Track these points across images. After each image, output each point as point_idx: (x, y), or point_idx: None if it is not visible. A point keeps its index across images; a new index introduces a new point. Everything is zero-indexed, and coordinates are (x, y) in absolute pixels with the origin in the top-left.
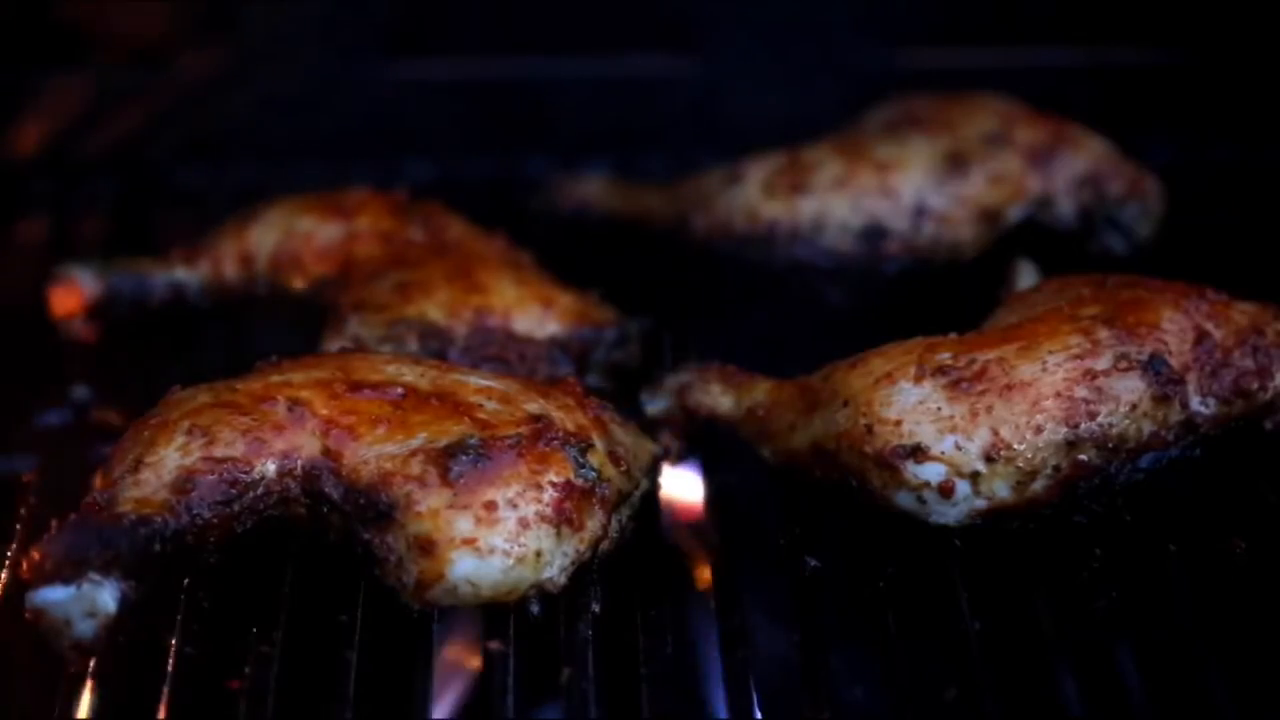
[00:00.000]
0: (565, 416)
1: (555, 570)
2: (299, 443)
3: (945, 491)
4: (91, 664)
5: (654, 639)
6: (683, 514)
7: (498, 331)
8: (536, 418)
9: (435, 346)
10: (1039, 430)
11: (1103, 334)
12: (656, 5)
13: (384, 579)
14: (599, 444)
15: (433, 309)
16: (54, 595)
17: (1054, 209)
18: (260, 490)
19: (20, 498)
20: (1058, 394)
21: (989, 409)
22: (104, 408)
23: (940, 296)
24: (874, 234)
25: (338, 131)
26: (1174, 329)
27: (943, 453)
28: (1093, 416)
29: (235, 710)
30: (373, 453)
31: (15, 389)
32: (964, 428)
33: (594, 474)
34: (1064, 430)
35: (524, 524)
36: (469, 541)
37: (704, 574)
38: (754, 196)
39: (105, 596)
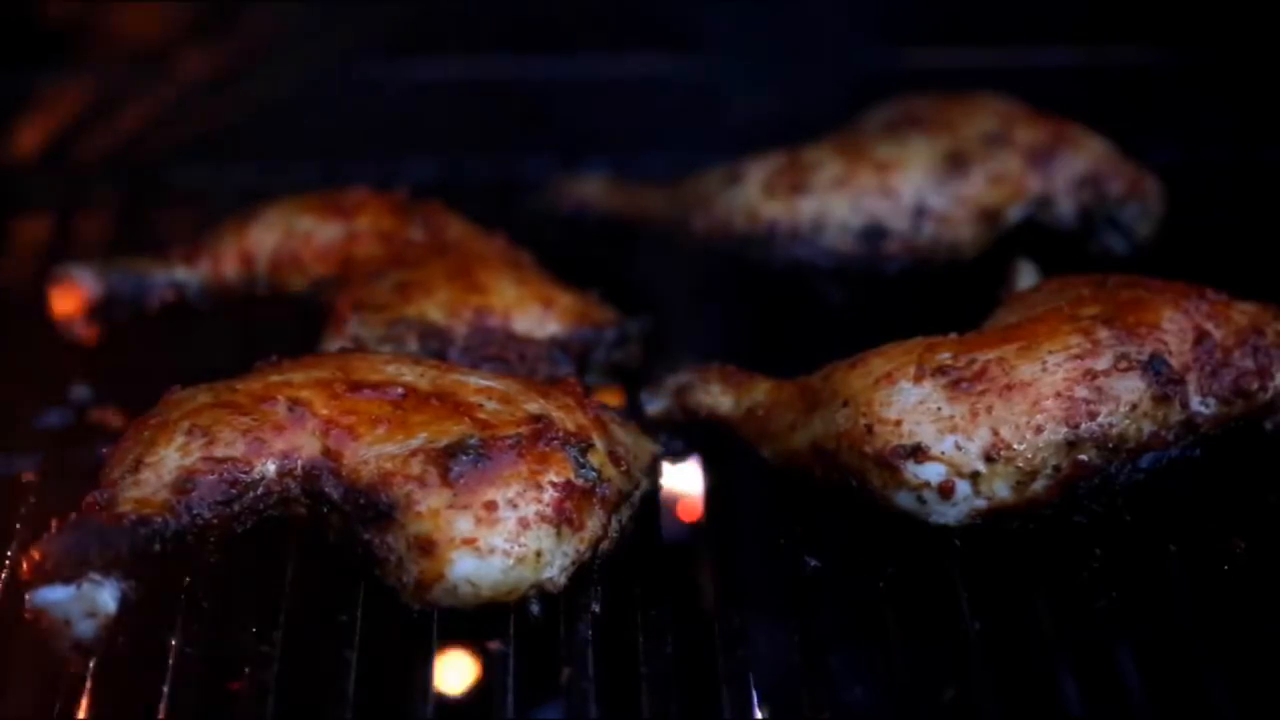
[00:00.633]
0: (565, 416)
1: (555, 570)
2: (299, 443)
3: (945, 491)
4: (91, 664)
5: (654, 639)
6: (683, 514)
7: (498, 331)
8: (536, 418)
9: (435, 346)
10: (1039, 430)
11: (1103, 334)
12: (656, 5)
13: (384, 579)
14: (599, 444)
15: (433, 309)
16: (54, 595)
17: (1054, 209)
18: (260, 490)
19: (20, 498)
20: (1058, 394)
21: (989, 409)
22: (104, 408)
23: (940, 296)
24: (874, 234)
25: (338, 131)
26: (1174, 329)
27: (943, 453)
28: (1093, 416)
29: (235, 710)
30: (373, 453)
31: (15, 389)
32: (964, 428)
33: (594, 474)
34: (1064, 430)
35: (524, 524)
36: (469, 541)
37: (704, 574)
38: (754, 196)
39: (105, 596)
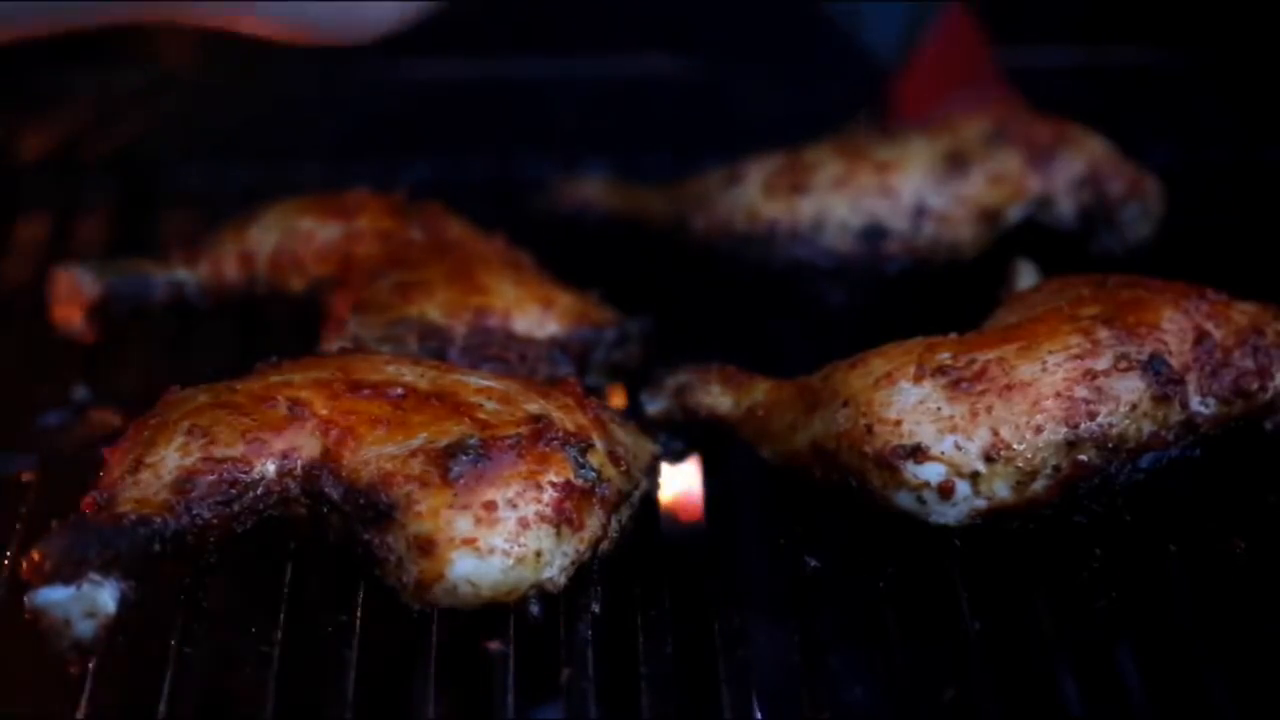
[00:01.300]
0: (565, 416)
1: (555, 570)
2: (299, 443)
3: (945, 491)
4: (91, 664)
5: (654, 639)
6: (683, 514)
7: (497, 332)
8: (536, 418)
9: (435, 347)
10: (1039, 430)
11: (1103, 334)
12: (656, 5)
13: (384, 579)
14: (599, 444)
15: (432, 309)
16: (54, 595)
17: (1054, 209)
18: (260, 490)
19: (20, 498)
20: (1058, 394)
21: (989, 409)
22: (104, 408)
23: (940, 296)
24: (874, 234)
25: (338, 131)
26: (1174, 329)
27: (943, 453)
28: (1093, 416)
29: (235, 710)
30: (373, 453)
31: (15, 389)
32: (964, 428)
33: (594, 474)
34: (1064, 430)
35: (524, 524)
36: (469, 541)
37: (704, 574)
38: (754, 196)
39: (105, 596)
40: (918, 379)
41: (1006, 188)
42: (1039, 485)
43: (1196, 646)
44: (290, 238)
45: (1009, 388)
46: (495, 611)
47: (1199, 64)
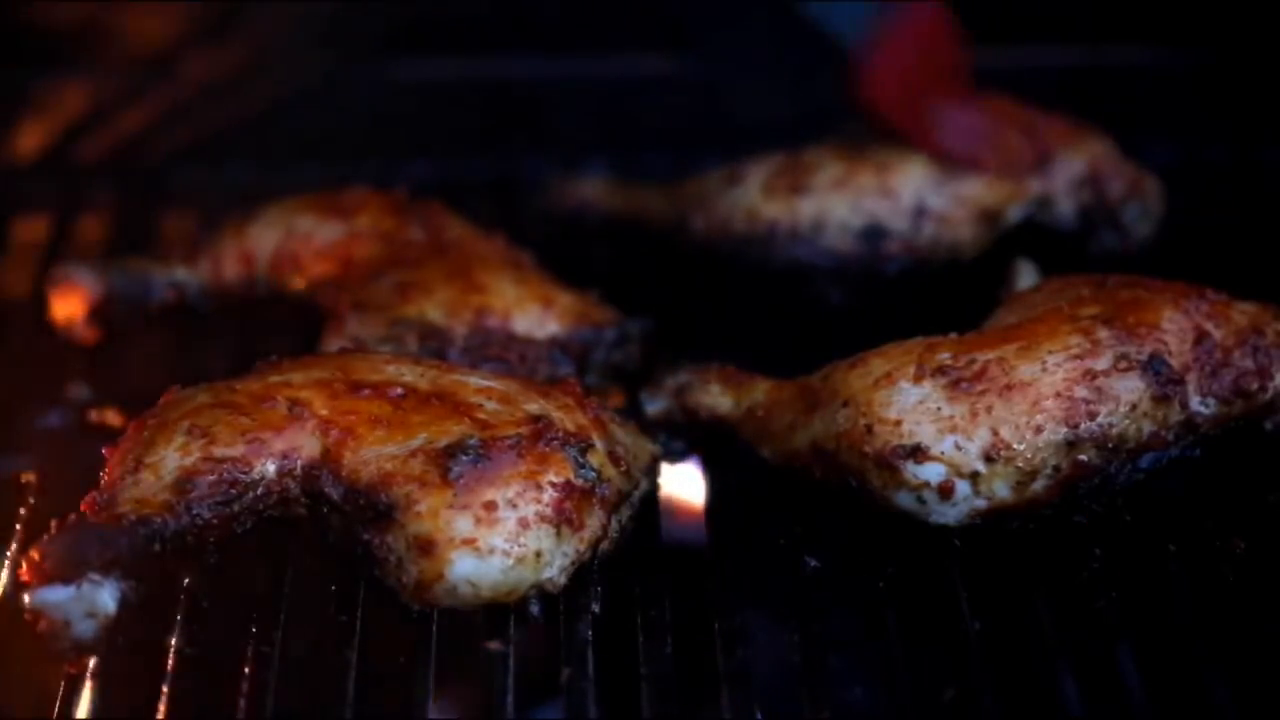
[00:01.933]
0: (565, 417)
1: (555, 570)
2: (299, 443)
3: (945, 491)
4: (91, 664)
5: (654, 639)
6: (683, 514)
7: (498, 332)
8: (536, 418)
9: (435, 346)
10: (1039, 430)
11: (1103, 334)
12: (657, 5)
13: (384, 579)
14: (599, 444)
15: (432, 309)
16: (54, 595)
17: (1054, 209)
18: (260, 490)
19: (20, 498)
20: (1058, 394)
21: (989, 409)
22: (104, 408)
23: (940, 296)
24: (874, 234)
25: (338, 131)
26: (1174, 329)
27: (942, 453)
28: (1093, 416)
29: (235, 710)
30: (373, 453)
31: (15, 389)
32: (964, 428)
33: (594, 474)
34: (1064, 430)
35: (524, 524)
36: (469, 541)
37: (704, 574)
38: (754, 197)
39: (105, 596)
40: (918, 379)
41: (1006, 188)
42: (1039, 485)
43: (1196, 646)
44: (290, 237)
45: (1009, 388)
46: (495, 611)
47: (1199, 64)
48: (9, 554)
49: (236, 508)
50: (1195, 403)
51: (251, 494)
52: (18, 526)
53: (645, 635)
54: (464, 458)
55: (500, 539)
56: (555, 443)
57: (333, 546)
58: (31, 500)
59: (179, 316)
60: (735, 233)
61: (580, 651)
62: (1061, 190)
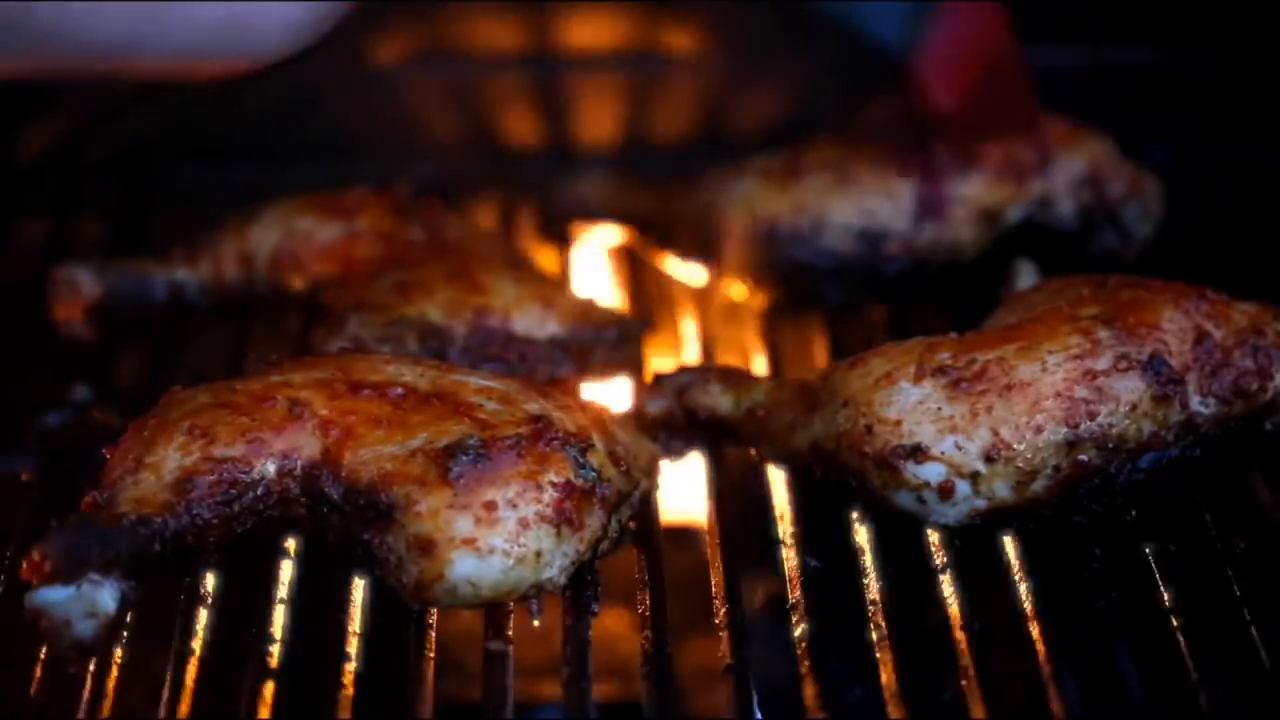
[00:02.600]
0: (565, 416)
1: (555, 570)
2: (299, 443)
3: (945, 491)
4: (91, 664)
5: (654, 639)
6: (683, 514)
7: (498, 332)
8: (536, 418)
9: (435, 346)
10: (1039, 430)
11: (1103, 334)
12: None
13: (384, 579)
14: (599, 444)
15: (432, 309)
16: (54, 595)
17: (1054, 209)
18: (260, 490)
19: (20, 498)
20: (1058, 394)
21: (989, 409)
22: (104, 408)
23: (940, 296)
24: (874, 234)
25: (338, 131)
26: (1174, 329)
27: (943, 453)
28: (1093, 416)
29: (235, 710)
30: (373, 453)
31: (15, 389)
32: (964, 428)
33: (594, 474)
34: (1064, 430)
35: (524, 524)
36: (469, 541)
37: (704, 574)
38: (754, 196)
39: (105, 596)
40: (918, 379)
41: (1007, 188)
42: (1039, 485)
43: (1196, 646)
44: (290, 237)
45: (1009, 388)
46: (495, 611)
47: (1199, 64)
48: (9, 554)
49: (236, 508)
50: (1195, 403)
51: (251, 494)
52: (18, 526)
53: (645, 635)
54: (464, 458)
55: (500, 539)
56: (555, 443)
57: (333, 546)
58: (31, 500)
59: (179, 316)
60: (735, 233)
61: (580, 651)
62: (1061, 190)
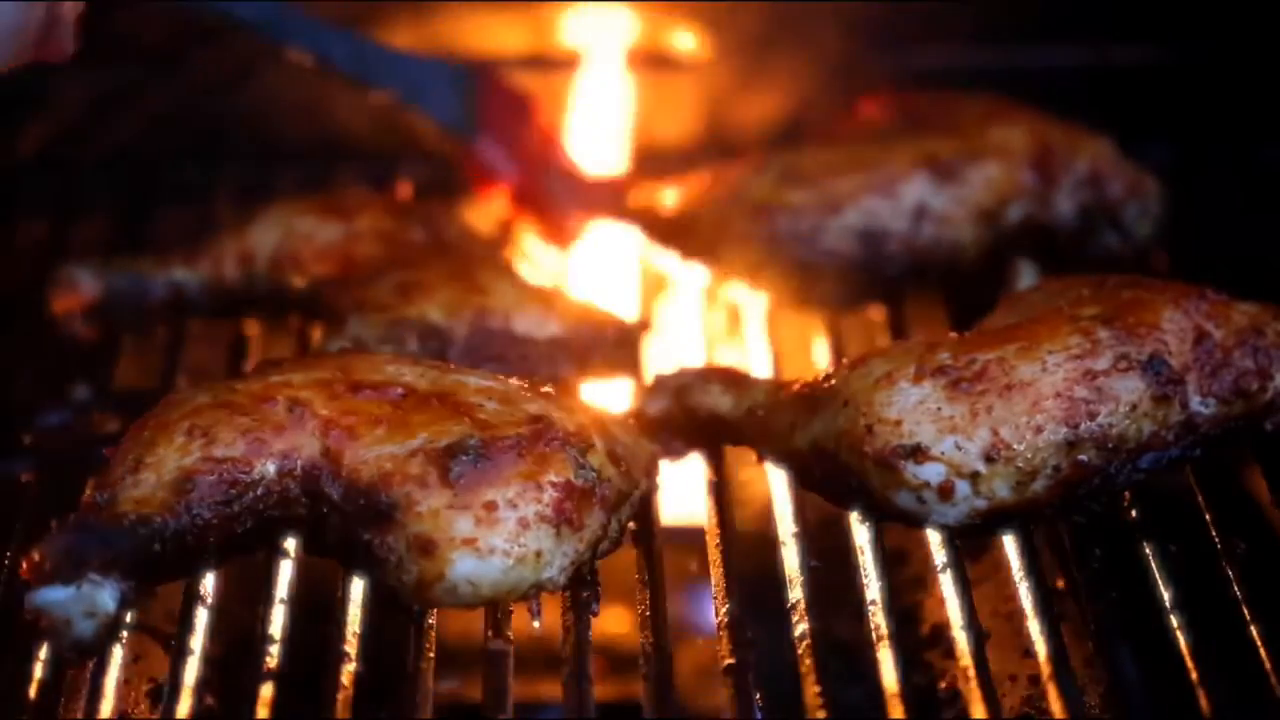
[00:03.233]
0: (565, 417)
1: (555, 570)
2: (299, 443)
3: (945, 491)
4: (91, 664)
5: (655, 639)
6: (683, 514)
7: (498, 332)
8: (536, 418)
9: (435, 347)
10: (1039, 430)
11: (1103, 334)
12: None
13: (384, 579)
14: (599, 444)
15: (433, 309)
16: (54, 595)
17: (1054, 209)
18: (260, 490)
19: (20, 498)
20: (1058, 394)
21: (989, 409)
22: (104, 408)
23: (940, 296)
24: (874, 234)
25: (338, 131)
26: (1174, 329)
27: (942, 453)
28: (1093, 416)
29: (236, 710)
30: (373, 453)
31: (15, 389)
32: (964, 428)
33: (594, 474)
34: (1064, 430)
35: (524, 524)
36: (469, 542)
37: (704, 573)
38: (755, 196)
39: (105, 596)
40: (918, 379)
41: (1007, 188)
42: (1039, 485)
43: (1196, 646)
44: (290, 238)
45: (1009, 388)
46: (495, 611)
47: (1198, 62)
48: (9, 554)
49: (236, 508)
50: (1195, 403)
51: (251, 494)
52: (18, 526)
53: (645, 635)
54: (464, 458)
55: (500, 539)
56: (555, 443)
57: (333, 546)
58: (31, 500)
59: (179, 316)
60: (735, 233)
61: (580, 651)
62: (1061, 190)
